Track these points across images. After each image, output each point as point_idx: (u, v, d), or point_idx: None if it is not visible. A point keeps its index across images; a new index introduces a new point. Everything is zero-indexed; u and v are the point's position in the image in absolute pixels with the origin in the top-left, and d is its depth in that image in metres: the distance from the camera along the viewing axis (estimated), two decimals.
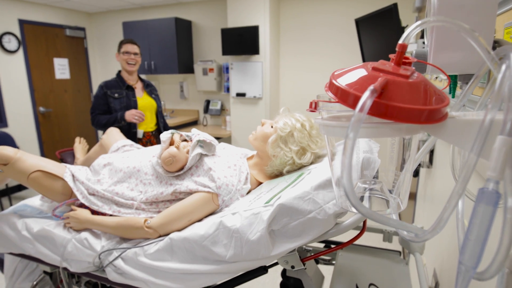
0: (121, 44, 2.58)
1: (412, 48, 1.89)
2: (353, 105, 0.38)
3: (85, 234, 1.22)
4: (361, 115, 0.36)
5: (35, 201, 1.48)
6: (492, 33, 0.58)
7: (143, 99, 2.65)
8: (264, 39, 3.83)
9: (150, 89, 2.74)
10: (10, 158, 1.30)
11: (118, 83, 2.57)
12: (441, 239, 1.23)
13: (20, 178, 1.32)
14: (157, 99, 2.76)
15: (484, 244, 0.34)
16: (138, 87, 2.68)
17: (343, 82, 0.42)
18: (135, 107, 2.57)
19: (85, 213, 1.26)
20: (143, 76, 4.57)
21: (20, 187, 4.31)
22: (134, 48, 2.57)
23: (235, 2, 3.89)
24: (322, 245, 1.45)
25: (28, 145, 4.43)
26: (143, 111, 2.52)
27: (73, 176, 1.33)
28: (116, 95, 2.53)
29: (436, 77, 1.50)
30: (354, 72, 0.43)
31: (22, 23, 4.29)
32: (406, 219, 2.83)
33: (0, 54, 4.10)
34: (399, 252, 1.31)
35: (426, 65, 0.65)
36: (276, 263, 1.15)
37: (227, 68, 4.28)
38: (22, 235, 1.30)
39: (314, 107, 0.48)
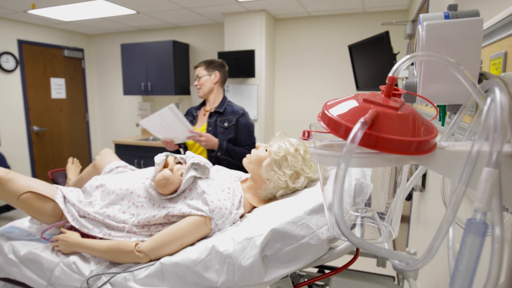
0: None
1: (403, 74, 1.95)
2: (344, 136, 0.39)
3: (73, 258, 1.19)
4: (352, 146, 0.37)
5: (23, 222, 1.45)
6: (478, 65, 0.61)
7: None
8: (260, 63, 3.91)
9: (219, 119, 2.18)
10: (0, 179, 1.28)
11: (199, 106, 2.34)
12: (434, 263, 1.22)
13: (9, 199, 1.30)
14: (220, 131, 2.13)
15: (473, 274, 0.35)
16: (206, 115, 2.24)
17: (335, 112, 0.43)
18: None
19: (75, 236, 1.23)
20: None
21: (8, 207, 4.21)
22: (197, 71, 2.28)
23: (232, 26, 4.00)
24: (315, 270, 1.43)
25: (19, 163, 4.38)
26: (191, 146, 2.17)
27: (64, 198, 1.32)
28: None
29: (427, 104, 1.53)
30: (346, 103, 0.44)
31: (21, 43, 4.34)
32: (400, 243, 2.81)
33: None
34: (393, 277, 1.29)
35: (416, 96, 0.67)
36: None
37: (223, 91, 4.33)
38: (8, 259, 1.26)
39: (307, 136, 0.49)
